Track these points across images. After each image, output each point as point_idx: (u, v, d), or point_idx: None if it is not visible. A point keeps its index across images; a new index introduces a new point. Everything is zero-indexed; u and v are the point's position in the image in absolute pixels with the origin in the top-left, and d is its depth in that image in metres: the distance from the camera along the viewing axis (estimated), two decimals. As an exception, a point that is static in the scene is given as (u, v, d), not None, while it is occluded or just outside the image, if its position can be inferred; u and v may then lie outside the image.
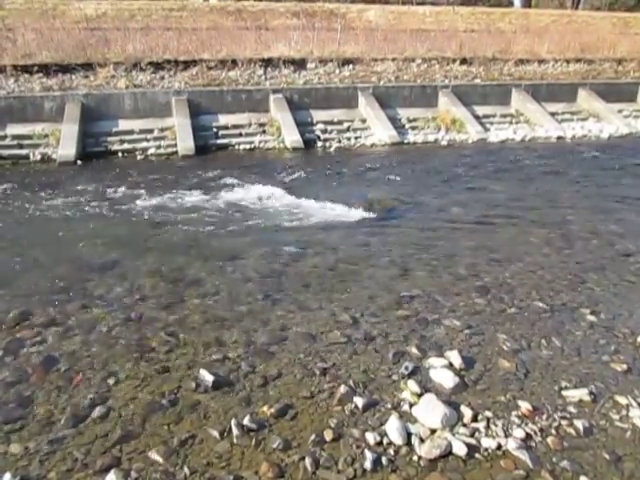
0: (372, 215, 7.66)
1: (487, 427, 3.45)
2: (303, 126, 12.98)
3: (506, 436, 3.38)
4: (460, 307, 5.00)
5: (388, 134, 13.07)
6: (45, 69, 12.96)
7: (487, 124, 14.34)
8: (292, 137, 12.46)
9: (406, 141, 13.22)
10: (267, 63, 14.64)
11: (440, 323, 4.71)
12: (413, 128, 13.83)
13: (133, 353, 4.26)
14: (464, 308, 4.99)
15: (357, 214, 7.68)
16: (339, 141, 12.94)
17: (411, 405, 3.63)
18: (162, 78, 13.59)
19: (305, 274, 5.76)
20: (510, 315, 4.88)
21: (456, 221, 7.52)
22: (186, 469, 3.15)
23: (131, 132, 12.13)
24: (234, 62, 14.34)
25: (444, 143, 13.33)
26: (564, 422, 3.52)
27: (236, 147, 12.40)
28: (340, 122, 13.53)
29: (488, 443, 3.33)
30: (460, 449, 3.27)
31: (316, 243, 6.70)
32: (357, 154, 12.26)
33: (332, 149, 12.58)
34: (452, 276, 5.71)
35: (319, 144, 12.74)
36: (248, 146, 12.44)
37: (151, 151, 11.79)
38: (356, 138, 13.14)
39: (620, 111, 15.58)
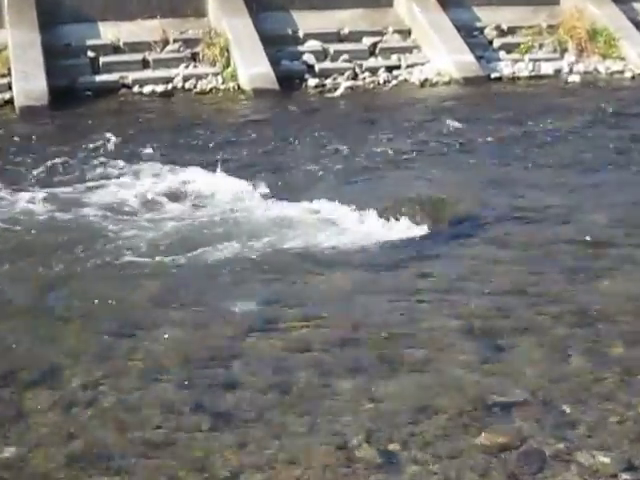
0: (423, 231, 7.72)
1: None
2: (276, 45, 13.18)
3: None
4: (612, 426, 5.01)
5: (456, 61, 13.27)
6: None
7: (662, 39, 14.55)
8: (253, 68, 12.63)
9: (495, 75, 13.44)
10: None
11: (572, 460, 4.70)
12: (509, 49, 14.05)
13: None
14: (621, 427, 5.00)
15: (392, 229, 7.75)
16: (354, 76, 13.08)
17: None
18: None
19: (283, 359, 5.79)
20: None
21: (599, 242, 7.63)
22: None
23: None
24: None
25: (574, 79, 13.55)
26: None
27: (135, 90, 12.55)
28: (356, 37, 13.74)
29: None
30: None
31: (307, 291, 6.76)
32: (391, 102, 12.43)
33: (339, 92, 12.71)
34: (592, 359, 5.75)
35: (311, 82, 12.89)
36: (162, 88, 12.59)
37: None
38: (390, 70, 13.28)
39: None
